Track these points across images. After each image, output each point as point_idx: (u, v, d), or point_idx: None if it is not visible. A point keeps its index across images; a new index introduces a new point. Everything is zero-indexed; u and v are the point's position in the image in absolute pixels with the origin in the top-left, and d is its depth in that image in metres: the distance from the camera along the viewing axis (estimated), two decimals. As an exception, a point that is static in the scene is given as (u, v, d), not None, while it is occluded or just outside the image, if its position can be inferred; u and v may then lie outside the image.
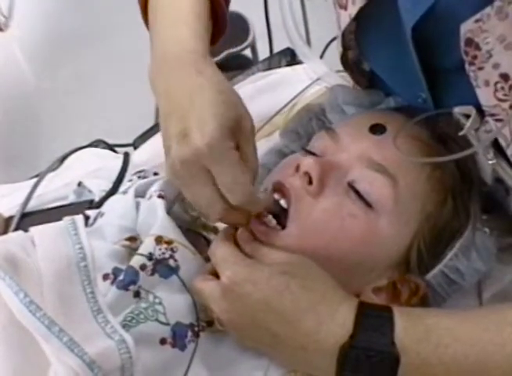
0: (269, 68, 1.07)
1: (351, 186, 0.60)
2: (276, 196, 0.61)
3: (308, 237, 0.59)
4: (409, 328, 0.52)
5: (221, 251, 0.58)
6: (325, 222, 0.59)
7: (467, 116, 0.62)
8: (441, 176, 0.63)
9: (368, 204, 0.60)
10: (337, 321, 0.52)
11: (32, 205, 0.80)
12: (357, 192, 0.60)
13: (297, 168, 0.62)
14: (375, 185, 0.60)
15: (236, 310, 0.54)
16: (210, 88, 0.56)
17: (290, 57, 1.05)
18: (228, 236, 0.60)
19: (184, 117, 0.54)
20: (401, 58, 0.65)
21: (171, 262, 0.61)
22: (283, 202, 0.61)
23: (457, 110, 0.63)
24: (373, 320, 0.52)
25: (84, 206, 0.75)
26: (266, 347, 0.56)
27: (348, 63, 0.79)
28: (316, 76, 0.91)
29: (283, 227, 0.60)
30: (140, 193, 0.71)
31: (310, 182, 0.60)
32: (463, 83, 0.58)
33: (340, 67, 0.99)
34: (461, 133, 0.61)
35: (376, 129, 0.64)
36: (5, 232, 0.74)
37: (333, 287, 0.55)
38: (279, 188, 0.62)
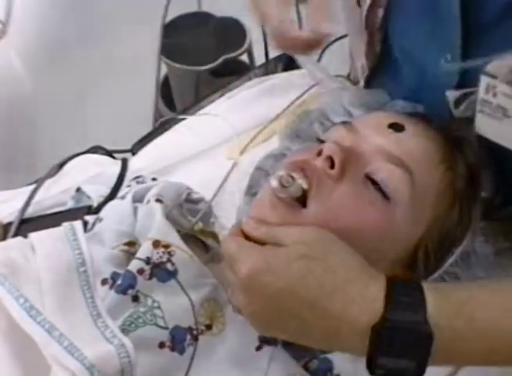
0: (266, 74, 1.08)
1: (369, 177, 0.60)
2: (296, 175, 0.60)
3: (327, 218, 0.58)
4: (441, 304, 0.50)
5: (231, 246, 0.55)
6: (345, 205, 0.59)
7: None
8: (452, 178, 0.64)
9: (385, 196, 0.60)
10: (367, 300, 0.50)
11: (31, 211, 0.81)
12: (375, 183, 0.60)
13: (319, 153, 0.61)
14: (393, 177, 0.60)
15: (259, 303, 0.52)
16: None
17: (286, 62, 1.06)
18: (236, 231, 0.58)
19: None
20: (430, 14, 0.65)
21: (169, 266, 0.61)
22: (301, 182, 0.59)
23: (489, 68, 0.60)
24: (404, 298, 0.50)
25: (83, 212, 0.75)
26: (295, 334, 0.53)
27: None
28: (313, 81, 0.92)
29: (304, 206, 0.59)
30: (138, 198, 0.71)
31: (331, 167, 0.60)
32: (495, 39, 0.57)
33: (338, 72, 1.00)
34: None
35: (395, 127, 0.65)
36: (3, 238, 0.74)
37: (358, 263, 0.53)
38: (300, 167, 0.60)
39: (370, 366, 0.50)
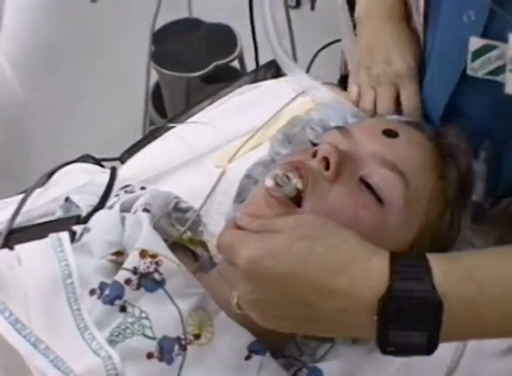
0: (256, 80, 1.08)
1: (364, 180, 0.61)
2: (291, 175, 0.60)
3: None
4: (449, 271, 0.48)
5: (227, 236, 0.54)
6: (340, 206, 0.59)
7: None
8: (444, 186, 0.65)
9: (379, 200, 0.60)
10: (372, 275, 0.48)
11: (20, 221, 0.80)
12: (369, 186, 0.61)
13: (314, 155, 0.62)
14: (388, 181, 0.61)
15: (261, 289, 0.50)
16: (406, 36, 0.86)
17: (276, 69, 1.06)
18: (231, 224, 0.57)
19: (387, 50, 0.84)
20: None
21: (156, 276, 0.61)
22: (296, 181, 0.59)
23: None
24: (408, 268, 0.48)
25: (72, 221, 0.75)
26: (300, 322, 0.51)
27: None
28: (301, 88, 0.92)
29: (298, 206, 0.59)
30: (126, 208, 0.71)
31: (326, 168, 0.60)
32: None
33: (327, 78, 1.01)
34: None
35: (389, 133, 0.65)
36: (-8, 248, 0.74)
37: (358, 241, 0.51)
38: (296, 167, 0.61)
39: (381, 343, 0.48)
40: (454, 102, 0.72)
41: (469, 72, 0.66)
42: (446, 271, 0.48)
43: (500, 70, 0.64)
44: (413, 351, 0.49)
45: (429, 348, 0.48)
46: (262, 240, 0.51)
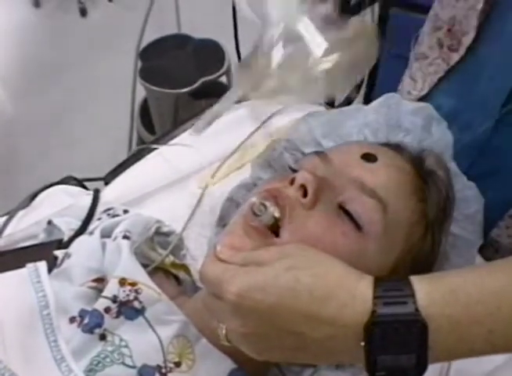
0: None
1: (342, 207, 0.60)
2: (268, 203, 0.59)
3: None
4: (433, 292, 0.48)
5: (212, 270, 0.53)
6: (318, 234, 0.58)
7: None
8: (425, 208, 0.65)
9: (358, 227, 0.60)
10: (358, 301, 0.48)
11: (2, 244, 0.80)
12: (348, 213, 0.60)
13: (292, 182, 0.61)
14: (366, 208, 0.60)
15: (251, 323, 0.50)
16: None
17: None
18: (212, 256, 0.56)
19: None
20: None
21: (136, 304, 0.61)
22: (272, 209, 0.59)
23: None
24: (392, 293, 0.49)
25: (53, 246, 0.74)
26: (290, 351, 0.51)
27: None
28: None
29: (276, 235, 0.59)
30: (106, 233, 0.71)
31: (304, 196, 0.60)
32: None
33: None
34: None
35: (368, 157, 0.65)
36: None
37: (343, 268, 0.51)
38: (273, 195, 0.60)
39: (371, 368, 0.48)
40: None
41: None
42: (430, 292, 0.48)
43: None
44: (403, 374, 0.49)
45: (419, 370, 0.48)
46: (249, 274, 0.51)
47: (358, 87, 1.48)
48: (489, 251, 0.83)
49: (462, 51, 0.83)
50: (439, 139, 0.75)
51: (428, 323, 0.47)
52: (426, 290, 0.48)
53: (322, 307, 0.48)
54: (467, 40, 0.82)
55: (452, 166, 0.72)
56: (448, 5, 0.85)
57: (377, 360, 0.48)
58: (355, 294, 0.49)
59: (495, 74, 0.79)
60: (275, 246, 0.56)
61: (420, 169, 0.68)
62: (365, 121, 0.76)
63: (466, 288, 0.49)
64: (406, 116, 0.75)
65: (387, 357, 0.48)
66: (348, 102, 1.53)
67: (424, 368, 0.48)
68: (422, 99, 0.91)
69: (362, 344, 0.47)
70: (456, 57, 0.85)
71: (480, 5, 0.77)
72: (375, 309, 0.47)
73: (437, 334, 0.47)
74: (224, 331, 0.53)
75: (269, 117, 0.91)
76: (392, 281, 0.51)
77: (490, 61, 0.79)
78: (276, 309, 0.49)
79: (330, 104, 1.54)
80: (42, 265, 0.63)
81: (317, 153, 0.67)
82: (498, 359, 0.73)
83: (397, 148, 0.70)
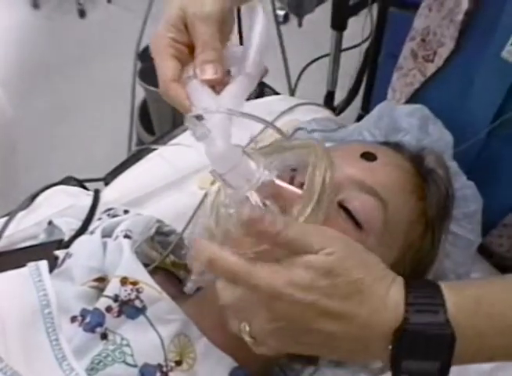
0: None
1: (342, 205, 0.61)
2: (267, 201, 0.59)
3: None
4: (460, 302, 0.49)
5: (243, 265, 0.50)
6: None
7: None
8: (424, 207, 0.65)
9: (357, 225, 0.60)
10: (389, 307, 0.49)
11: (2, 245, 0.80)
12: (347, 211, 0.60)
13: (292, 180, 0.62)
14: (366, 206, 0.61)
15: (284, 318, 0.50)
16: None
17: (259, 89, 1.06)
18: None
19: None
20: None
21: (137, 303, 0.61)
22: (273, 208, 0.58)
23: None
24: (423, 300, 0.49)
25: (54, 246, 0.75)
26: (318, 348, 0.52)
27: None
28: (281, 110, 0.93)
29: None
30: (107, 233, 0.71)
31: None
32: None
33: (314, 93, 1.01)
34: None
35: (368, 156, 0.65)
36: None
37: (379, 272, 0.51)
38: (273, 193, 0.59)
39: (394, 371, 0.49)
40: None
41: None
42: (457, 302, 0.49)
43: None
44: None
45: (440, 375, 0.49)
46: (291, 271, 0.49)
47: (357, 87, 1.49)
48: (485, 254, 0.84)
49: (439, 62, 0.81)
50: (439, 138, 0.75)
51: (456, 333, 0.47)
52: (453, 299, 0.49)
53: (355, 312, 0.49)
54: (445, 51, 0.79)
55: (453, 165, 0.72)
56: (421, 15, 0.84)
57: (402, 364, 0.49)
58: (386, 301, 0.49)
59: (482, 89, 0.76)
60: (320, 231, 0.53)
61: (420, 168, 0.68)
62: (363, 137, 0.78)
63: (490, 300, 0.50)
64: (403, 117, 0.76)
65: (412, 362, 0.49)
66: (348, 102, 1.53)
67: (446, 373, 0.49)
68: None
69: (390, 347, 0.48)
70: (432, 68, 0.82)
71: (460, 17, 0.75)
72: (407, 317, 0.48)
73: (463, 343, 0.48)
74: (247, 328, 0.52)
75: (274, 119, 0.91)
76: (421, 285, 0.52)
77: (475, 75, 0.76)
78: (310, 310, 0.49)
79: (330, 105, 1.55)
80: (43, 265, 0.63)
81: None
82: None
83: (396, 147, 0.70)
